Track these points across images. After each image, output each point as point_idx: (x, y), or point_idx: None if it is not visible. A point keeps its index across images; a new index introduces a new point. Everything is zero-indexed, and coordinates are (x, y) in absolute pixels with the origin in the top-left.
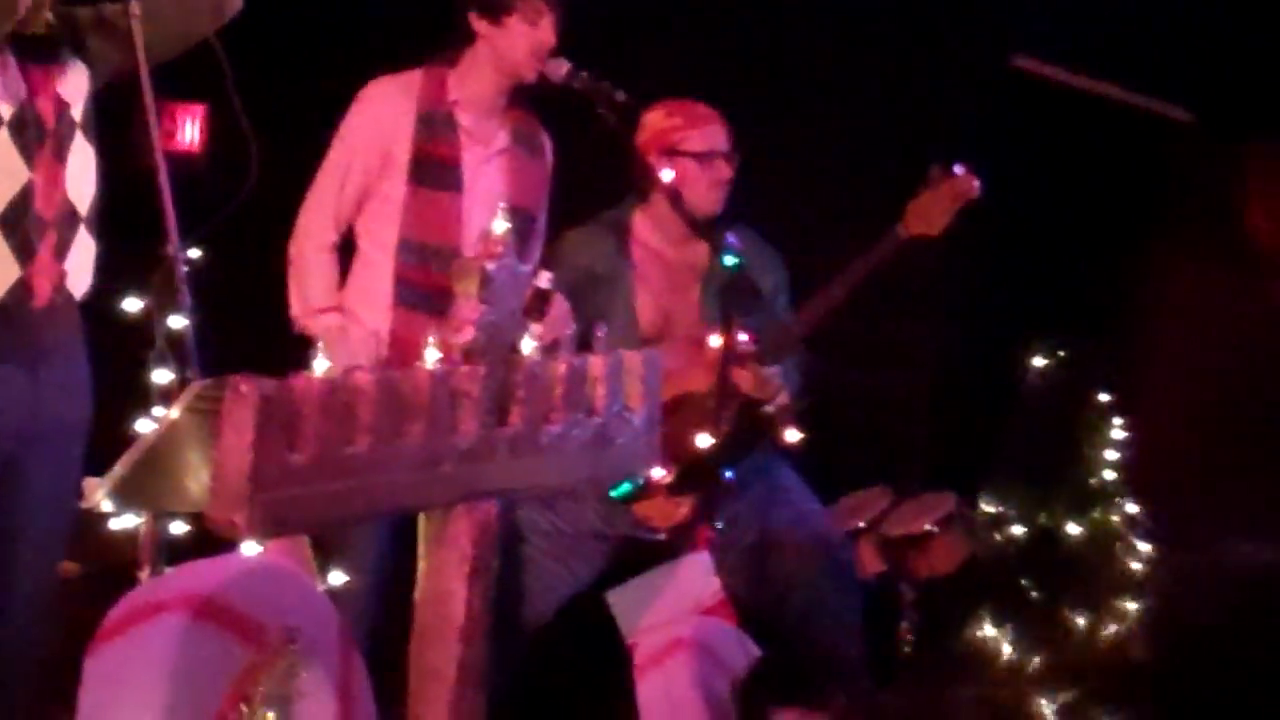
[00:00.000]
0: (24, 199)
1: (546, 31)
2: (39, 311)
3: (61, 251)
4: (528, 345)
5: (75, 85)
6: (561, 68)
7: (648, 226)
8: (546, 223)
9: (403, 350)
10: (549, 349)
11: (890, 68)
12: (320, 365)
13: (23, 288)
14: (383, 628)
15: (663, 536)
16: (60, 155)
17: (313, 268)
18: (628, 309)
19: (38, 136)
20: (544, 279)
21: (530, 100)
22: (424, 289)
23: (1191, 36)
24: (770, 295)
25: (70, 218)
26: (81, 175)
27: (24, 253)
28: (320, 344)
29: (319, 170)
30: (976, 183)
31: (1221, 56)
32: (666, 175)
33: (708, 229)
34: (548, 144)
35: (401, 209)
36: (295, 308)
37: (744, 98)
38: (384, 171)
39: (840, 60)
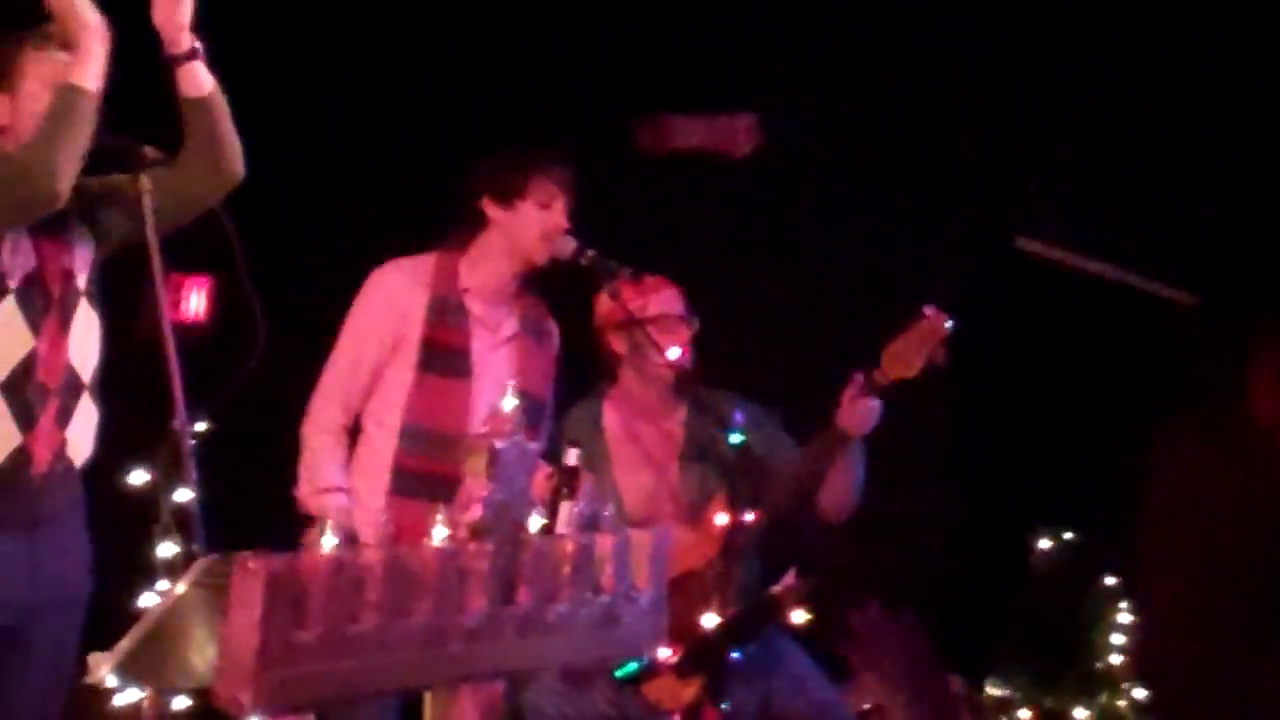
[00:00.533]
0: (27, 366)
1: (559, 214)
2: (38, 478)
3: (63, 419)
4: (535, 523)
5: (82, 255)
6: (569, 245)
7: (620, 407)
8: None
9: (394, 538)
10: (586, 524)
11: (896, 248)
12: (328, 542)
13: (22, 455)
14: None
15: (675, 719)
16: (65, 323)
17: (320, 450)
18: (612, 493)
19: (44, 306)
20: (572, 456)
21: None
22: (423, 476)
23: (1194, 219)
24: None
25: (73, 385)
26: (85, 342)
27: (25, 420)
28: (327, 521)
29: (332, 352)
30: (948, 321)
31: (1225, 239)
32: (674, 353)
33: (712, 407)
34: (554, 330)
35: (407, 394)
36: (302, 488)
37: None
38: (396, 355)
39: (845, 237)
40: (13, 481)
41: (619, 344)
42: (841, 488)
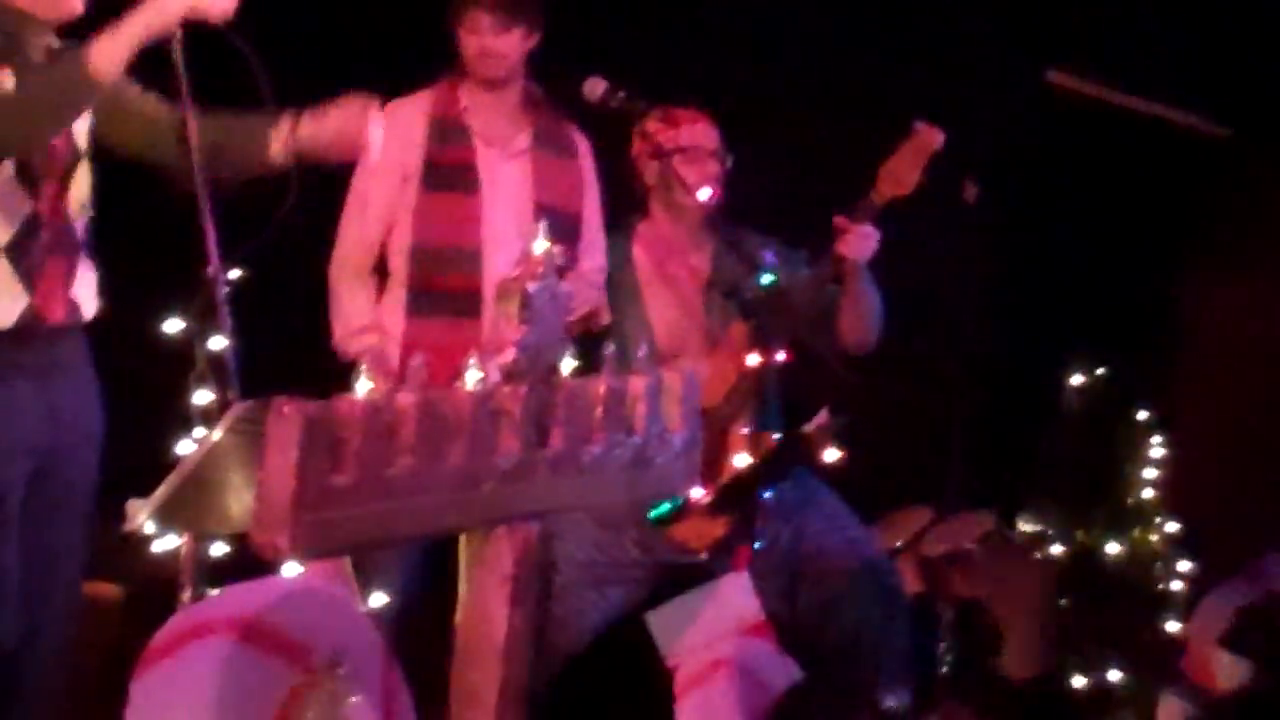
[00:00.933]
0: (30, 227)
1: (486, 35)
2: (50, 332)
3: (69, 278)
4: (568, 366)
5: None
6: (598, 87)
7: (650, 241)
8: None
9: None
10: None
11: (926, 83)
12: (363, 386)
13: (32, 311)
14: (415, 649)
15: (703, 557)
16: (65, 184)
17: (346, 292)
18: (643, 323)
19: (44, 169)
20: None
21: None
22: (437, 293)
23: (1228, 51)
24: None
25: (72, 244)
26: (82, 200)
27: (31, 278)
28: (362, 365)
29: (346, 207)
30: (940, 134)
31: (1258, 70)
32: (704, 194)
33: (742, 246)
34: (583, 144)
35: (412, 215)
36: (335, 333)
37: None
38: (405, 187)
39: (876, 75)
40: (28, 335)
41: (650, 176)
42: (856, 318)
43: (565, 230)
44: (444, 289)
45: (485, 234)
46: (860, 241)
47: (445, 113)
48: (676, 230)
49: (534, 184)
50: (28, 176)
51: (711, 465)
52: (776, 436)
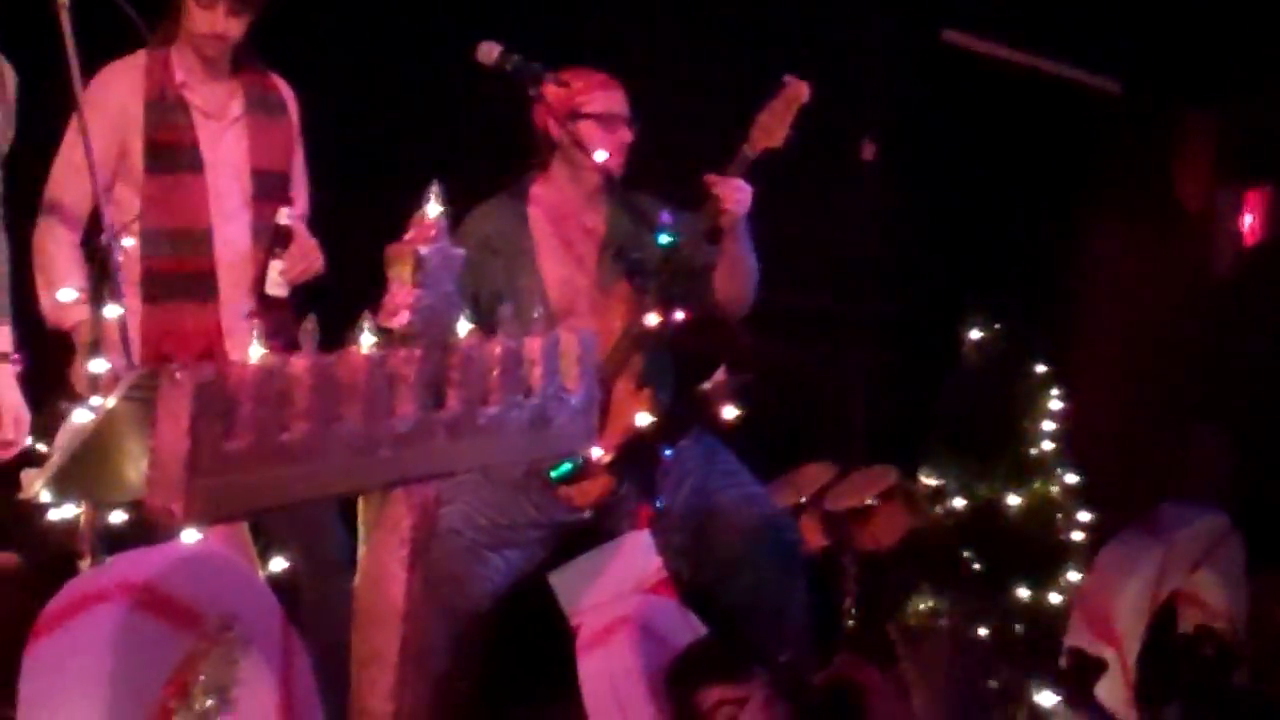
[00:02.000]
0: None
1: (220, 19)
2: None
3: None
4: (464, 328)
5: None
6: (493, 51)
7: (547, 197)
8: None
9: (156, 346)
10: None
11: (820, 42)
12: (256, 351)
13: None
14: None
15: (587, 515)
16: None
17: (63, 259)
18: (536, 280)
19: None
20: (283, 215)
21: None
22: (174, 276)
23: (1120, 8)
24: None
25: None
26: None
27: None
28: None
29: (58, 158)
30: (805, 87)
31: (1149, 28)
32: (600, 156)
33: (638, 208)
34: (289, 97)
35: (140, 200)
36: (44, 303)
37: (668, 68)
38: (124, 160)
39: (771, 35)
40: None
41: (556, 131)
42: (731, 278)
43: (278, 190)
44: (179, 271)
45: (214, 210)
46: (733, 194)
47: (163, 89)
48: (575, 191)
49: (250, 150)
50: None
51: (605, 404)
52: (665, 377)
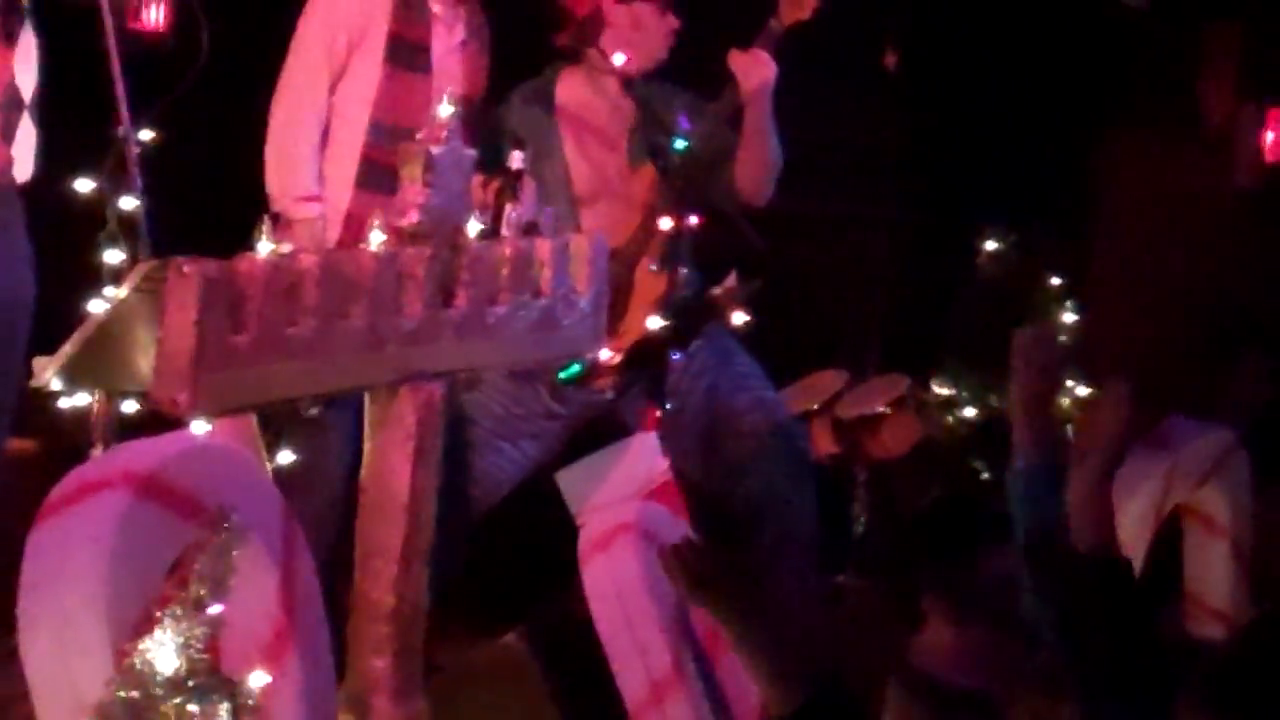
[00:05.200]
0: None
1: None
2: None
3: (7, 134)
4: (474, 228)
5: None
6: None
7: (577, 86)
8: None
9: (359, 229)
10: (527, 229)
11: None
12: (264, 247)
13: None
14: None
15: (608, 394)
16: (8, 38)
17: (299, 152)
18: (560, 168)
19: None
20: (515, 159)
21: None
22: (388, 169)
23: None
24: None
25: (15, 101)
26: (26, 61)
27: None
28: (265, 226)
29: (295, 47)
30: None
31: None
32: (619, 59)
33: (658, 108)
34: (488, 37)
35: (376, 88)
36: (275, 189)
37: None
38: (359, 48)
39: None
40: None
41: (615, 15)
42: (752, 159)
43: (470, 119)
44: (393, 165)
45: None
46: (757, 68)
47: None
48: (604, 78)
49: (463, 76)
50: None
51: (619, 304)
52: (684, 280)
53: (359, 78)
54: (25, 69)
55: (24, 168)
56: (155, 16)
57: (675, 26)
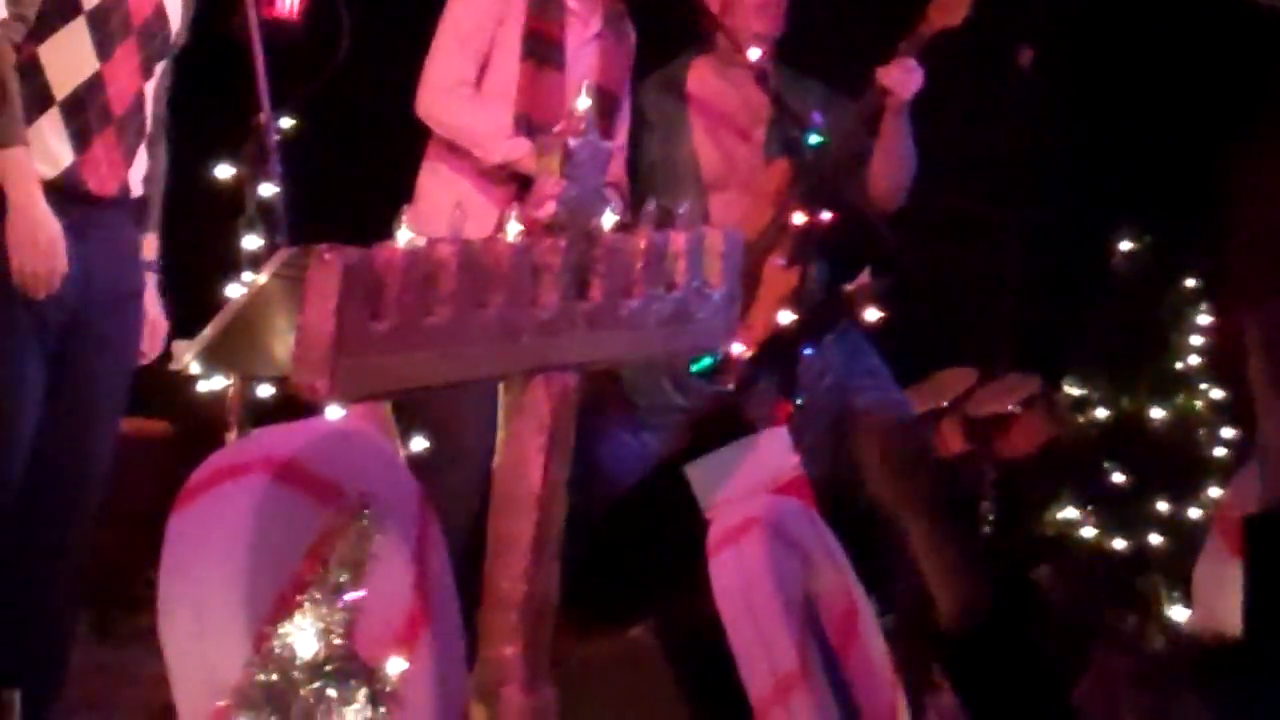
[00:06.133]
0: (91, 87)
1: None
2: (91, 196)
3: (129, 157)
4: (609, 220)
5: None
6: None
7: (709, 73)
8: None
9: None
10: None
11: None
12: (404, 236)
13: (75, 173)
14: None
15: (730, 386)
16: (147, 60)
17: (468, 108)
18: (689, 155)
19: (121, 29)
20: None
21: None
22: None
23: None
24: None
25: (140, 129)
26: (160, 95)
27: (81, 140)
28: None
29: (438, 37)
30: None
31: None
32: (754, 54)
33: (791, 107)
34: (632, 31)
35: (516, 85)
36: (485, 143)
37: None
38: (497, 44)
39: None
40: (70, 195)
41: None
42: (888, 164)
43: (612, 112)
44: None
45: (566, 111)
46: (904, 75)
47: None
48: (738, 67)
49: (599, 67)
50: (101, 32)
51: (748, 297)
52: (815, 276)
53: (499, 72)
54: (152, 101)
55: (138, 187)
56: (290, 4)
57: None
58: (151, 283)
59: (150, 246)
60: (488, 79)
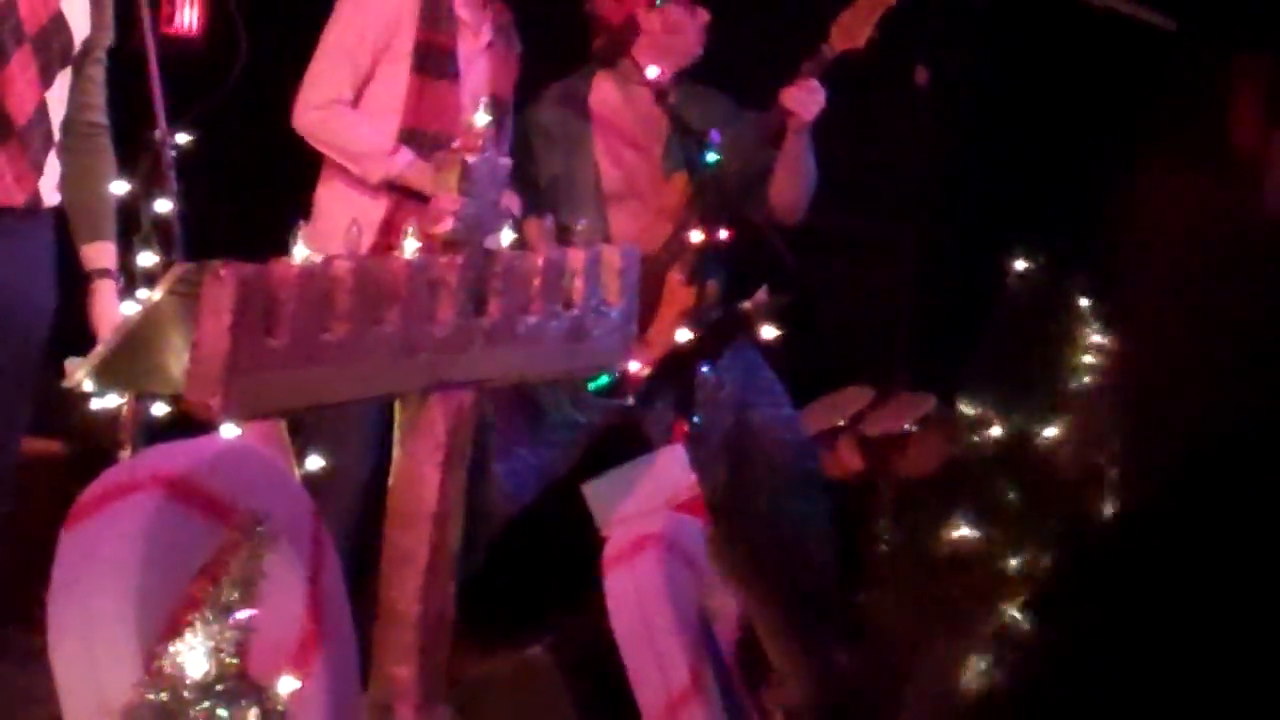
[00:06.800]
0: None
1: None
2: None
3: (37, 165)
4: (506, 237)
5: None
6: None
7: (610, 91)
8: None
9: (394, 235)
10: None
11: None
12: (300, 252)
13: None
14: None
15: (629, 401)
16: (45, 73)
17: (349, 122)
18: (590, 169)
19: (15, 40)
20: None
21: None
22: None
23: None
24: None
25: (47, 136)
26: (61, 100)
27: None
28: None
29: (319, 51)
30: None
31: None
32: (652, 72)
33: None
34: (517, 40)
35: (404, 98)
36: (365, 161)
37: None
38: (384, 56)
39: None
40: None
41: (648, 18)
42: (789, 182)
43: (503, 118)
44: None
45: (460, 125)
46: (806, 96)
47: None
48: (637, 83)
49: (490, 76)
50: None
51: (647, 313)
52: (714, 293)
53: (387, 85)
54: (58, 107)
55: (52, 196)
56: (189, 20)
57: (706, 20)
58: (110, 289)
59: (106, 254)
60: (374, 91)
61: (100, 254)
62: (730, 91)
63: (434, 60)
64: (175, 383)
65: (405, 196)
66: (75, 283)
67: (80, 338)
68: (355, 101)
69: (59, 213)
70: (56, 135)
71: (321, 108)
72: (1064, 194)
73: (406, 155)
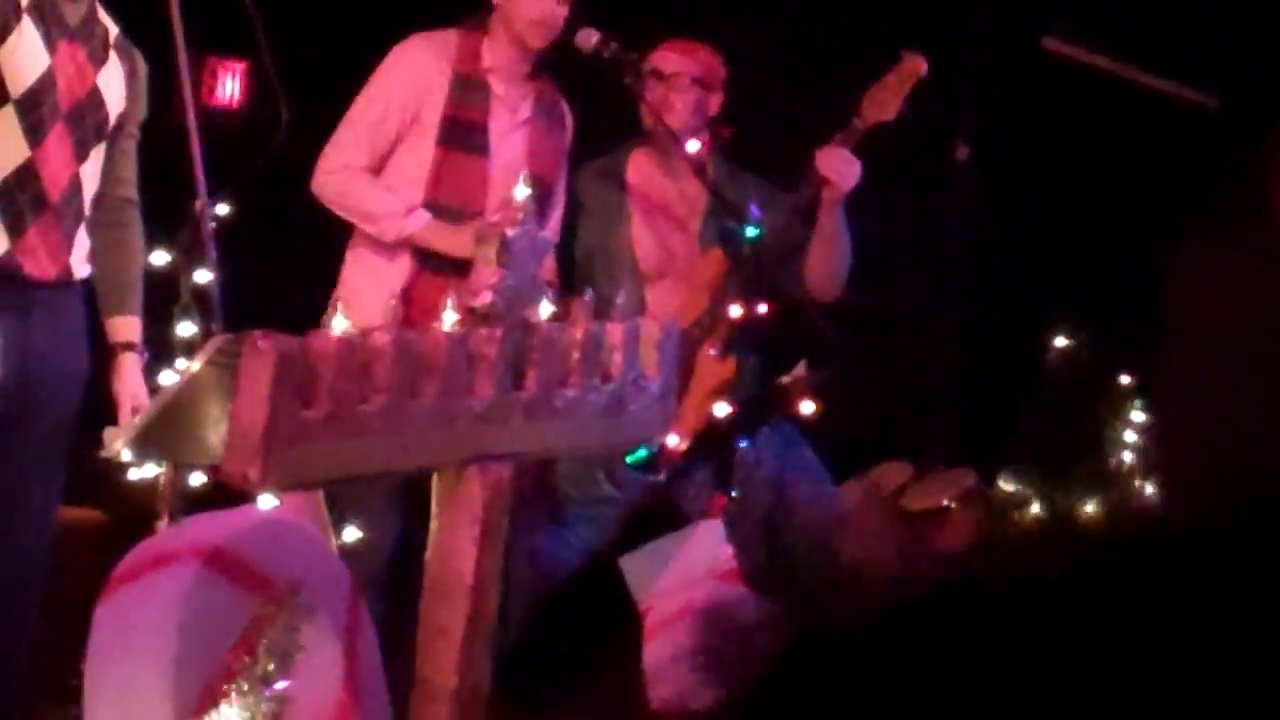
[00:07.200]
0: (22, 177)
1: (551, 2)
2: (29, 281)
3: (67, 242)
4: (545, 310)
5: (117, 85)
6: (591, 37)
7: (647, 164)
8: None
9: (420, 310)
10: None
11: (921, 48)
12: (339, 324)
13: (11, 259)
14: (395, 585)
15: (661, 477)
16: (80, 147)
17: (366, 185)
18: (627, 244)
19: (50, 116)
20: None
21: (554, 68)
22: (445, 253)
23: (1219, 21)
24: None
25: (78, 213)
26: (94, 176)
27: (15, 227)
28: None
29: (344, 121)
30: (923, 61)
31: (1249, 41)
32: (692, 146)
33: (729, 200)
34: (568, 115)
35: (429, 170)
36: (380, 221)
37: (774, 41)
38: (411, 130)
39: (870, 38)
40: (5, 281)
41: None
42: (825, 257)
43: (544, 199)
44: None
45: (490, 200)
46: (843, 166)
47: (471, 67)
48: (677, 160)
49: (529, 154)
50: (30, 119)
51: (680, 389)
52: (751, 368)
53: (412, 156)
54: (91, 182)
55: (82, 269)
56: (230, 91)
57: (691, 100)
58: (135, 363)
59: (131, 328)
60: (398, 162)
61: (126, 328)
62: (760, 170)
63: (461, 134)
64: (213, 453)
65: (423, 268)
66: (108, 353)
67: (115, 407)
68: (377, 172)
69: (89, 284)
70: (88, 210)
71: (334, 172)
72: (1106, 272)
73: (423, 216)
